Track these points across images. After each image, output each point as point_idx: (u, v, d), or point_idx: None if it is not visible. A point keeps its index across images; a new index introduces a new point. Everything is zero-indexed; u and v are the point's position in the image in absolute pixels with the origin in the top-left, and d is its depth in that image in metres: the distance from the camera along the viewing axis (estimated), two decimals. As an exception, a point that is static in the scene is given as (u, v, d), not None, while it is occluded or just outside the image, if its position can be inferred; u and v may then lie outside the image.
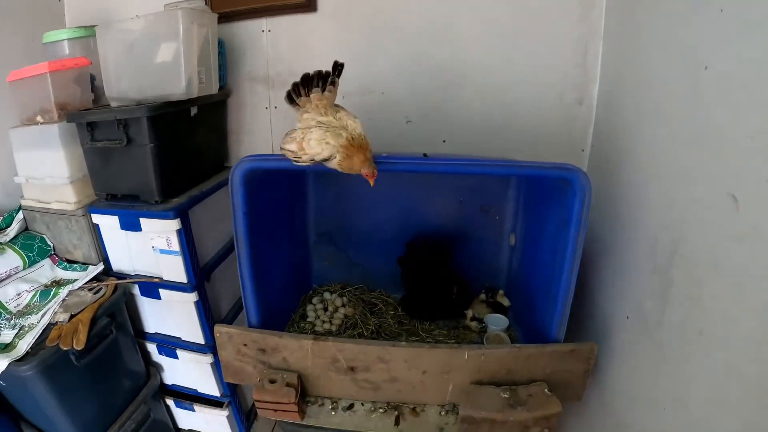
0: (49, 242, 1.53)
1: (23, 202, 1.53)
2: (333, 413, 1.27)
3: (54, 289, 1.40)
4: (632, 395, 1.18)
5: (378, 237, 1.61)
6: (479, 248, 1.61)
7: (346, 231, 1.63)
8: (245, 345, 1.29)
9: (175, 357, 1.57)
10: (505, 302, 1.57)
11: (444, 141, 1.57)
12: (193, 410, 1.66)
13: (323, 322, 1.49)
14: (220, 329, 1.29)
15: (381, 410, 1.25)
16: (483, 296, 1.57)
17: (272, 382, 1.25)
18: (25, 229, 1.56)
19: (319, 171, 1.52)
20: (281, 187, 1.45)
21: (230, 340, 1.29)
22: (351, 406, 1.28)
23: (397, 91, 1.56)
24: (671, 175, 1.07)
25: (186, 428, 1.78)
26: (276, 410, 1.27)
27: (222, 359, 1.33)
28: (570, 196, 1.11)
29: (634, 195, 1.23)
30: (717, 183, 0.89)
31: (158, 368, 1.65)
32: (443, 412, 1.25)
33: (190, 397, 1.68)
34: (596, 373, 1.33)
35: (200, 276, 1.46)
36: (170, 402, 1.68)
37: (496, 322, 1.48)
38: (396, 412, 1.25)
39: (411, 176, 1.52)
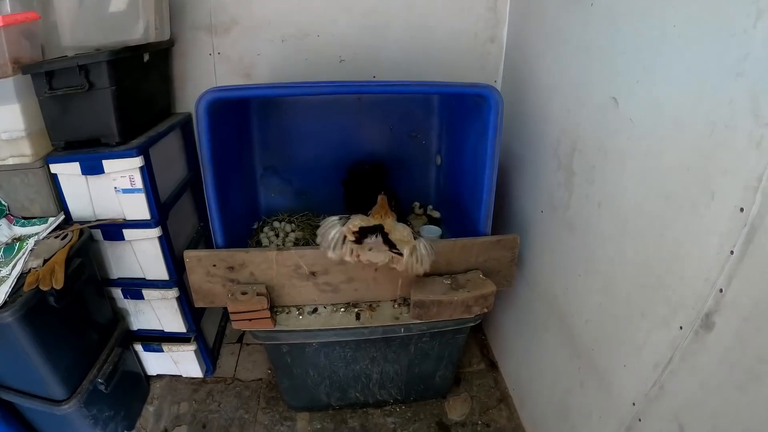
0: (3, 202, 1.54)
1: (-28, 164, 1.53)
2: (300, 317, 1.44)
3: (18, 244, 1.43)
4: (553, 272, 1.46)
5: (319, 166, 1.80)
6: (410, 171, 1.85)
7: (289, 163, 1.80)
8: (214, 265, 1.43)
9: (141, 297, 1.66)
10: (436, 214, 1.82)
11: (374, 77, 1.75)
12: (161, 350, 1.76)
13: (277, 246, 1.66)
14: (189, 254, 1.41)
15: (342, 309, 1.45)
16: (418, 209, 1.82)
17: (244, 294, 1.41)
18: (-27, 192, 1.57)
19: (262, 107, 1.71)
20: (232, 122, 1.59)
21: (200, 263, 1.43)
22: (315, 310, 1.46)
23: (331, 33, 1.72)
24: (567, 90, 1.34)
25: (155, 374, 1.88)
26: (251, 319, 1.42)
27: (192, 284, 1.45)
28: (486, 110, 1.34)
29: (539, 111, 1.51)
30: (602, 90, 1.16)
31: (124, 314, 1.74)
32: (396, 305, 1.47)
33: (156, 338, 1.78)
34: (521, 265, 1.61)
35: (162, 211, 1.57)
36: (138, 348, 1.77)
37: (430, 231, 1.72)
38: (356, 310, 1.46)
39: (346, 108, 1.71)
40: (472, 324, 1.50)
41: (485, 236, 1.47)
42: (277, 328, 1.44)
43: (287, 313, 1.46)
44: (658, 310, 0.99)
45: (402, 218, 1.78)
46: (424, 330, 1.46)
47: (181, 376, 1.88)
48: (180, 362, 1.83)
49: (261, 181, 1.81)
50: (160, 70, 1.71)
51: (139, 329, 1.77)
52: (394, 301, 1.49)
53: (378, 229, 1.28)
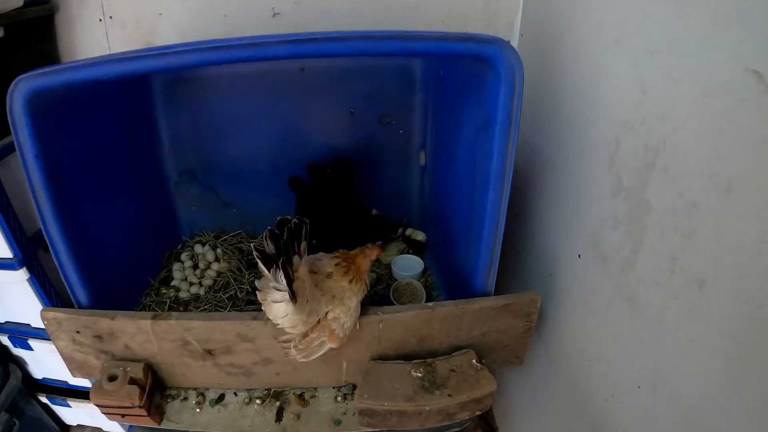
0: None
1: None
2: (198, 410, 0.88)
3: None
4: (590, 359, 0.80)
5: (252, 168, 1.16)
6: (382, 172, 1.18)
7: (211, 164, 1.17)
8: (78, 332, 0.90)
9: (29, 348, 1.17)
10: (419, 236, 1.16)
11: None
12: (68, 406, 1.27)
13: (191, 284, 1.07)
14: (46, 315, 0.87)
15: (259, 401, 0.86)
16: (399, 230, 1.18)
17: (113, 379, 0.89)
18: None
19: (169, 88, 1.07)
20: (111, 114, 0.97)
21: (60, 328, 0.89)
22: (221, 398, 0.90)
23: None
24: (638, 53, 0.64)
25: (74, 424, 1.40)
26: (124, 415, 0.90)
27: (60, 352, 0.92)
28: (492, 83, 0.68)
29: (583, 86, 0.81)
30: (723, 54, 0.49)
31: (22, 363, 1.23)
32: (339, 397, 0.86)
33: (62, 391, 1.27)
34: (541, 328, 0.97)
35: (29, 247, 1.01)
36: (46, 399, 1.28)
37: (406, 266, 1.08)
38: (278, 402, 0.87)
39: (286, 84, 1.07)
40: (458, 429, 0.91)
41: (485, 297, 0.84)
42: (165, 425, 0.91)
43: (183, 399, 0.91)
44: None
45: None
46: (380, 441, 0.89)
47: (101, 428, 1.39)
48: (97, 417, 1.34)
49: (177, 190, 1.20)
50: (33, 48, 1.09)
51: (44, 378, 1.27)
52: (338, 388, 0.89)
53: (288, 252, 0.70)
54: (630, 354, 0.70)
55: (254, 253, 0.66)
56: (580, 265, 0.84)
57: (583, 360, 0.85)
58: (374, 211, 1.21)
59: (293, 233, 0.70)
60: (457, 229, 0.95)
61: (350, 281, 0.78)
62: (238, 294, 1.03)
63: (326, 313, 0.75)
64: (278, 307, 0.70)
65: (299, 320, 0.72)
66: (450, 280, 1.01)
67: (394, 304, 0.97)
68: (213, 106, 1.09)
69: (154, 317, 0.83)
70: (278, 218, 0.70)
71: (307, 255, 0.76)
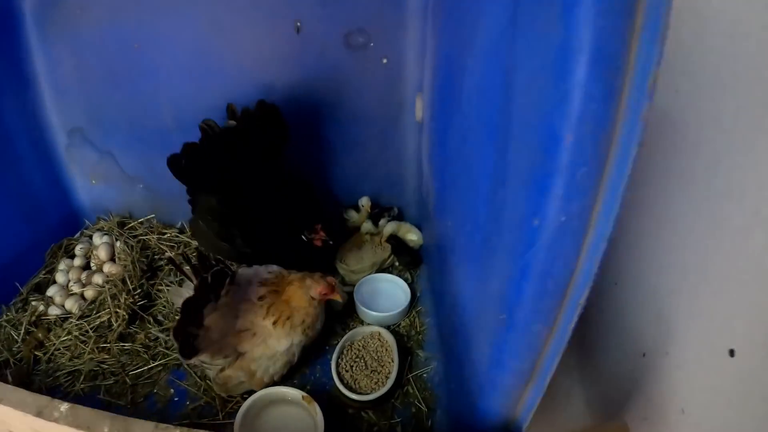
0: None
1: None
2: None
3: None
4: None
5: (154, 124, 0.73)
6: (352, 131, 0.70)
7: (101, 119, 0.75)
8: None
9: None
10: (414, 236, 0.71)
11: None
12: None
13: (69, 294, 0.70)
14: None
15: None
16: (367, 210, 0.74)
17: None
18: None
19: (43, 12, 0.65)
20: None
21: None
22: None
23: None
24: None
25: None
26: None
27: None
28: None
29: None
30: None
31: None
32: None
33: None
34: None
35: None
36: None
37: (380, 294, 0.63)
38: None
39: None
40: None
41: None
42: None
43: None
44: None
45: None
46: None
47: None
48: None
49: (70, 157, 0.80)
50: None
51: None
52: None
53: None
54: None
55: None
56: (729, 371, 0.35)
57: None
58: (363, 201, 0.75)
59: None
60: (465, 253, 0.48)
61: (274, 323, 0.57)
62: (113, 322, 0.65)
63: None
64: None
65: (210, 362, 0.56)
66: (451, 342, 0.55)
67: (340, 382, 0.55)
68: (98, 34, 0.68)
69: None
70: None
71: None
